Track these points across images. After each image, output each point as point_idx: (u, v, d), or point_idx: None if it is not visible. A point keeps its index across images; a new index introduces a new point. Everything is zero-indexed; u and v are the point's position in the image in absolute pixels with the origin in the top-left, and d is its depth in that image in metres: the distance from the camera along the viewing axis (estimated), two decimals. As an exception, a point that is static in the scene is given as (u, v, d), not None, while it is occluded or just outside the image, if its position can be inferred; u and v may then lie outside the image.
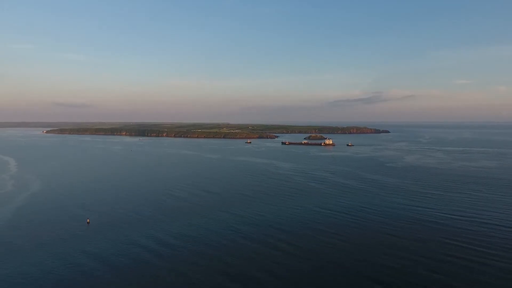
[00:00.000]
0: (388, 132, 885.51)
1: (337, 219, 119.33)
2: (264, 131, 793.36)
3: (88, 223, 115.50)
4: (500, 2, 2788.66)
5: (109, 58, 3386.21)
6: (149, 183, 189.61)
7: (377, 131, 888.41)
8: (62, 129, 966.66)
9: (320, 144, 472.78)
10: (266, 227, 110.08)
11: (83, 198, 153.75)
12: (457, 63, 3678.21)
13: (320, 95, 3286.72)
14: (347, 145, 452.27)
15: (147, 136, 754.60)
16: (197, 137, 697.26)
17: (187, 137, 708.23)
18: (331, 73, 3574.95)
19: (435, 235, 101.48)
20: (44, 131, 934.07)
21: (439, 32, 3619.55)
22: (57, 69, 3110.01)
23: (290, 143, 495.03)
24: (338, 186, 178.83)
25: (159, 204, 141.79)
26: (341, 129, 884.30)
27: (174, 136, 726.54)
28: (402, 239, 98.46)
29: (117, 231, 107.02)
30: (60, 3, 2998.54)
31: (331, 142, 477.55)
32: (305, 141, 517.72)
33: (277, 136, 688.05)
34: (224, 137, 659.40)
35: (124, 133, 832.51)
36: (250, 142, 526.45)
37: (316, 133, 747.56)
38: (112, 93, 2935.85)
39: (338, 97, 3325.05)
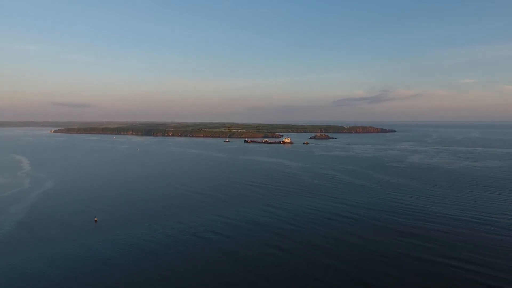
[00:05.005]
0: (394, 131, 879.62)
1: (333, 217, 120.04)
2: (269, 131, 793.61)
3: (96, 221, 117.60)
4: (506, 0, 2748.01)
5: (113, 59, 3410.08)
6: (155, 182, 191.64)
7: (383, 131, 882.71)
8: (70, 129, 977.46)
9: (280, 143, 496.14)
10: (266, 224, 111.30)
11: (91, 196, 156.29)
12: (463, 62, 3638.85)
13: (325, 94, 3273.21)
14: (304, 143, 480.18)
15: (153, 135, 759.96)
16: (203, 136, 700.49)
17: (192, 136, 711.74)
18: (336, 72, 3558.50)
19: (437, 233, 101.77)
20: (52, 131, 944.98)
21: (444, 31, 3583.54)
22: (62, 70, 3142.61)
23: (251, 142, 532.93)
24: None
25: (166, 203, 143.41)
26: (346, 129, 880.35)
27: (180, 136, 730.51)
28: (404, 237, 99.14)
29: (124, 229, 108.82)
30: (63, 5, 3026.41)
31: (289, 140, 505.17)
32: (266, 139, 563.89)
33: (282, 136, 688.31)
34: (229, 136, 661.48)
35: (130, 132, 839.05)
36: (228, 141, 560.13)
37: (322, 133, 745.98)
38: (117, 93, 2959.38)
39: (343, 96, 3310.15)
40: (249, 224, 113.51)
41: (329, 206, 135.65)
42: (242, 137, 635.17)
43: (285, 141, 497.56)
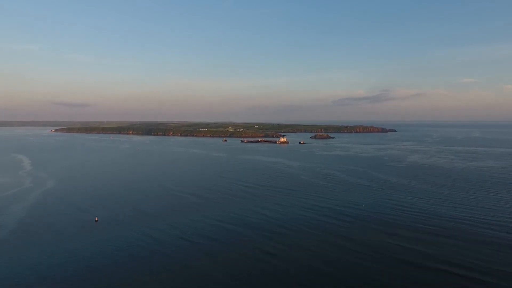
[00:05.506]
0: (394, 131, 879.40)
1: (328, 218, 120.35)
2: (270, 130, 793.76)
3: (96, 221, 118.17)
4: (506, 0, 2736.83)
5: (113, 59, 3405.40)
6: (156, 181, 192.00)
7: (384, 130, 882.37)
8: (70, 128, 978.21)
9: (275, 142, 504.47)
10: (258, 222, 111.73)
11: (92, 196, 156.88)
12: (463, 62, 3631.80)
13: (325, 94, 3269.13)
14: (299, 143, 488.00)
15: (154, 135, 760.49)
16: (203, 136, 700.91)
17: (193, 136, 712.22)
18: (336, 72, 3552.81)
19: (436, 236, 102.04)
20: (53, 130, 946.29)
21: (444, 31, 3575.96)
22: (62, 70, 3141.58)
23: (248, 141, 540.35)
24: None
25: (166, 203, 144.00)
26: (346, 128, 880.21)
27: (180, 135, 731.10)
28: (398, 236, 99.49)
29: (124, 229, 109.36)
30: (63, 5, 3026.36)
31: (285, 140, 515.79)
32: (262, 139, 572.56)
33: (282, 135, 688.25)
34: (230, 136, 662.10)
35: (130, 132, 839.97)
36: (225, 140, 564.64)
37: (322, 132, 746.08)
38: (117, 93, 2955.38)
39: (344, 96, 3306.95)
40: (245, 227, 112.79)
41: (325, 208, 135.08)
42: (243, 137, 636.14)
43: (281, 141, 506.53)
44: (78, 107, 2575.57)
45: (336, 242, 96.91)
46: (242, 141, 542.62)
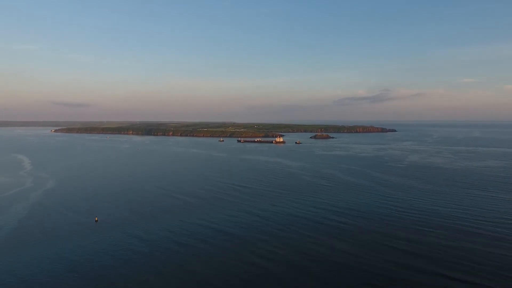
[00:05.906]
0: (395, 131, 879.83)
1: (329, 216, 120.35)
2: (270, 130, 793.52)
3: (96, 221, 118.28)
4: (506, 0, 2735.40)
5: (113, 59, 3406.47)
6: (155, 182, 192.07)
7: (384, 130, 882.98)
8: (70, 128, 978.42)
9: (272, 142, 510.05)
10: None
11: (92, 196, 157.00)
12: (463, 62, 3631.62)
13: (326, 94, 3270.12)
14: (296, 143, 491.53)
15: (154, 135, 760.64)
16: (203, 136, 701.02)
17: (193, 136, 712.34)
18: (336, 72, 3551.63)
19: (435, 239, 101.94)
20: (53, 130, 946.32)
21: (444, 31, 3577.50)
22: (62, 70, 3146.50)
23: (244, 141, 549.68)
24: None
25: (166, 203, 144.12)
26: (347, 128, 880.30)
27: (180, 135, 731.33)
28: (397, 237, 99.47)
29: (124, 230, 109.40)
30: (63, 5, 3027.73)
31: (281, 140, 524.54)
32: (258, 139, 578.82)
33: (281, 135, 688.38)
34: (230, 136, 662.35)
35: (130, 132, 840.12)
36: (222, 141, 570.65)
37: (322, 132, 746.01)
38: (117, 93, 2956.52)
39: (344, 96, 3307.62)
40: (241, 230, 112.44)
41: (323, 209, 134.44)
42: (240, 137, 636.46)
43: (277, 141, 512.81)
44: (78, 107, 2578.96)
45: (333, 244, 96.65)
46: (238, 141, 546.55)
